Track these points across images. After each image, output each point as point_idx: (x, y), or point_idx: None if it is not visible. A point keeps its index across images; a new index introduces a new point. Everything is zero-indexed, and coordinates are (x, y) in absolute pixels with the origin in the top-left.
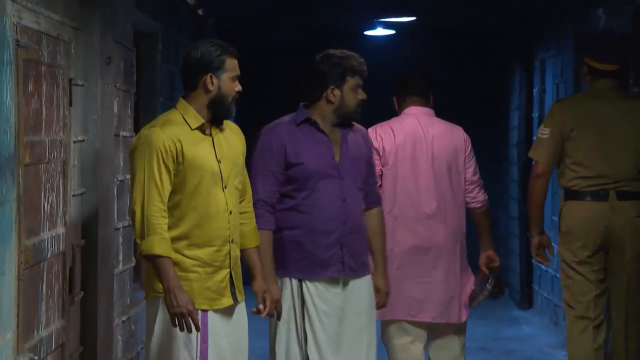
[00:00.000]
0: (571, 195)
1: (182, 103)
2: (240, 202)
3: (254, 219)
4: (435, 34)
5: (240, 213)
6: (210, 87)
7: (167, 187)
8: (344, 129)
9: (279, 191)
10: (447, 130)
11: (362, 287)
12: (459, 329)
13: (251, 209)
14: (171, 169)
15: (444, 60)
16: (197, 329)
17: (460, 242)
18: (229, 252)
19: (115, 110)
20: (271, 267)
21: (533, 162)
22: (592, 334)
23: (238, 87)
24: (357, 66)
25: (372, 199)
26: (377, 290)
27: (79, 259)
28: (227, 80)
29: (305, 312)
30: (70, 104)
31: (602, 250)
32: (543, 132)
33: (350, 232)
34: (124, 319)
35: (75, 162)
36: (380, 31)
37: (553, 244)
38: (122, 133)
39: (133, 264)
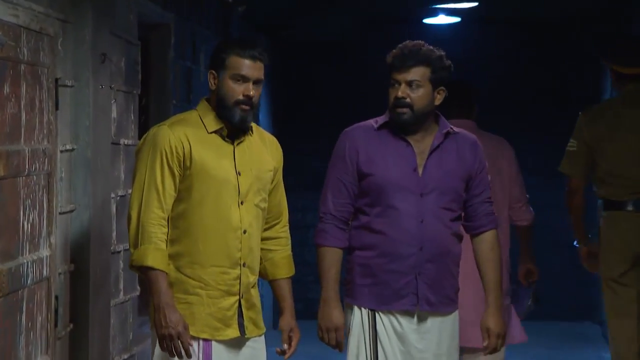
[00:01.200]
0: (610, 205)
1: (203, 103)
2: (273, 226)
3: (289, 246)
4: (508, 23)
5: (272, 238)
6: (212, 86)
7: (170, 193)
8: (440, 136)
9: (353, 205)
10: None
11: (444, 326)
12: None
13: (286, 234)
14: (176, 173)
15: (520, 53)
16: (188, 355)
17: None
18: (239, 277)
19: (114, 114)
20: (333, 290)
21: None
22: None
23: (243, 90)
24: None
25: (483, 221)
26: (485, 330)
27: (67, 287)
28: (227, 79)
29: (380, 347)
30: (57, 108)
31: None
32: (571, 145)
33: (429, 260)
34: (126, 356)
35: (63, 175)
36: (442, 19)
37: None
38: (123, 141)
39: (137, 293)
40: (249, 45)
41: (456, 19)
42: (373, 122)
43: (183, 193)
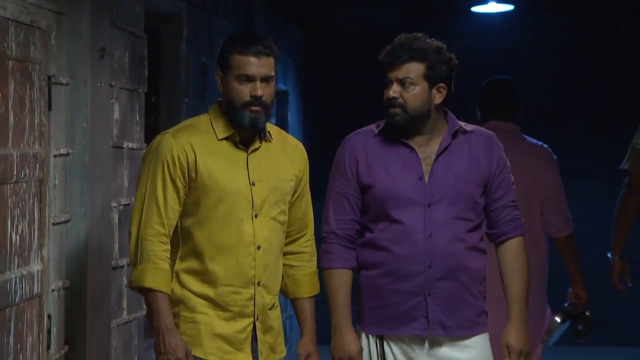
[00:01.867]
0: None
1: (214, 107)
2: (296, 240)
3: (314, 261)
4: (566, 11)
5: (295, 253)
6: (219, 88)
7: (173, 207)
8: (447, 137)
9: (357, 220)
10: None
11: (465, 354)
12: None
13: (310, 249)
14: (179, 186)
15: (587, 45)
16: None
17: None
18: (254, 297)
19: (117, 115)
20: (343, 316)
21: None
22: None
23: (250, 90)
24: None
25: (506, 227)
26: (505, 347)
27: (61, 305)
28: (232, 80)
29: None
30: (50, 108)
31: None
32: (638, 141)
33: (440, 278)
34: None
35: (57, 182)
36: (493, 6)
37: None
38: (127, 144)
39: (143, 313)
40: (252, 41)
41: (509, 7)
42: (374, 127)
43: (190, 207)
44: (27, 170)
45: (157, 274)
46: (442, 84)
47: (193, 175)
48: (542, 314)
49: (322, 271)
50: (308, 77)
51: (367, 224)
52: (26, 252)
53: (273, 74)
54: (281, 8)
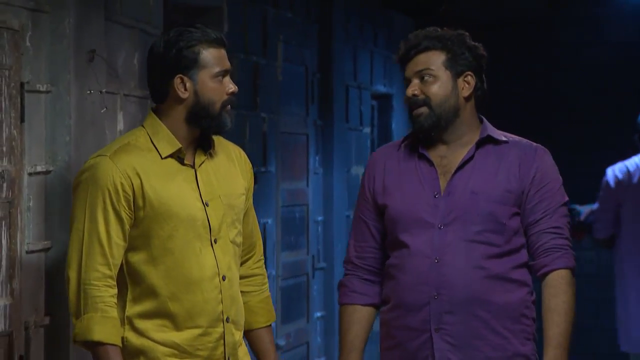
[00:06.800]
0: None
1: (150, 119)
2: (245, 262)
3: (266, 285)
4: None
5: (245, 277)
6: (183, 94)
7: (118, 244)
8: (472, 148)
9: (379, 248)
10: None
11: None
12: None
13: (261, 270)
14: (124, 218)
15: None
16: None
17: None
18: (223, 337)
19: (121, 126)
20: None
21: None
22: None
23: (230, 87)
24: None
25: (544, 259)
26: None
27: (39, 344)
28: (208, 79)
29: None
30: (22, 120)
31: None
32: None
33: (450, 311)
34: None
35: (31, 204)
36: None
37: None
38: None
39: None
40: (211, 31)
41: None
42: (402, 139)
43: (138, 240)
44: None
45: (106, 324)
46: (468, 72)
47: (140, 204)
48: None
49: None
50: None
51: (388, 251)
52: None
53: None
54: None
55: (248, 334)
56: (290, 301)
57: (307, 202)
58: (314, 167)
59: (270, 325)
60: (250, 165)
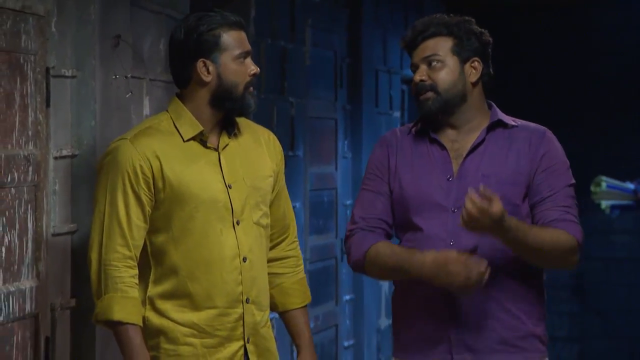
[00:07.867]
0: None
1: (174, 103)
2: (278, 244)
3: (302, 266)
4: None
5: (278, 259)
6: (206, 77)
7: (139, 225)
8: (483, 131)
9: (385, 221)
10: None
11: None
12: None
13: (295, 252)
14: (144, 200)
15: None
16: None
17: None
18: (242, 317)
19: (147, 111)
20: (411, 264)
21: None
22: None
23: (252, 69)
24: None
25: (556, 224)
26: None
27: (64, 326)
28: (230, 62)
29: None
30: (47, 104)
31: None
32: None
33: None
34: None
35: (57, 187)
36: None
37: None
38: None
39: None
40: (230, 14)
41: None
42: (411, 124)
43: (160, 222)
44: (16, 174)
45: (126, 304)
46: (475, 58)
47: (160, 186)
48: None
49: (358, 271)
50: None
51: (399, 234)
52: (15, 267)
53: None
54: None
55: (283, 315)
56: (319, 284)
57: (335, 186)
58: (342, 152)
59: (306, 306)
60: (281, 147)
